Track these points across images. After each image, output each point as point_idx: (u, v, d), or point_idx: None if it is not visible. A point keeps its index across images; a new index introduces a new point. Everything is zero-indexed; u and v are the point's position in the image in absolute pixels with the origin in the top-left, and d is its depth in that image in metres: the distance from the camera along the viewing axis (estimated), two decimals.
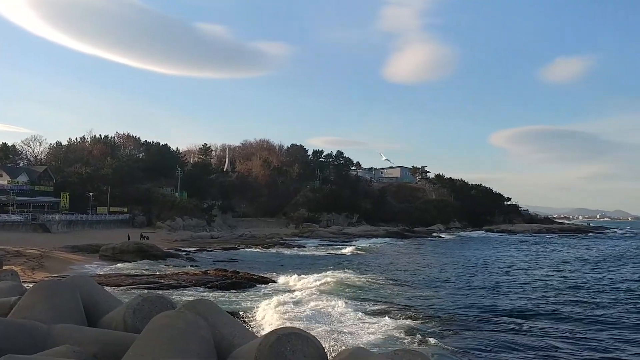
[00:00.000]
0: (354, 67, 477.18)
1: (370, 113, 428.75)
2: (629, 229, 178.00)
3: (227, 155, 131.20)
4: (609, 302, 26.01)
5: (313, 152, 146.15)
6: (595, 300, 26.87)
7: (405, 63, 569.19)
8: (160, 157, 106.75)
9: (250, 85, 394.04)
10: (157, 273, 33.71)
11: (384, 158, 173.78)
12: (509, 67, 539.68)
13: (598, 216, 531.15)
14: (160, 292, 20.29)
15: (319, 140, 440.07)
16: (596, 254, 63.72)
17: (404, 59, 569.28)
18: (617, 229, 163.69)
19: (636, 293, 29.48)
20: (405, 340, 16.63)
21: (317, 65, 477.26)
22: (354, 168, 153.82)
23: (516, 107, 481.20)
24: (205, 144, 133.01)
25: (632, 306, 24.91)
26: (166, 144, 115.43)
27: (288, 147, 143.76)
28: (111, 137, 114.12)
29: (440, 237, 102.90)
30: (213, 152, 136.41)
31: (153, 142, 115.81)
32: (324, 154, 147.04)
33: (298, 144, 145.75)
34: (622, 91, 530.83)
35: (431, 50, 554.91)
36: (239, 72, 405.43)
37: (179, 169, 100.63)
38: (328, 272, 35.20)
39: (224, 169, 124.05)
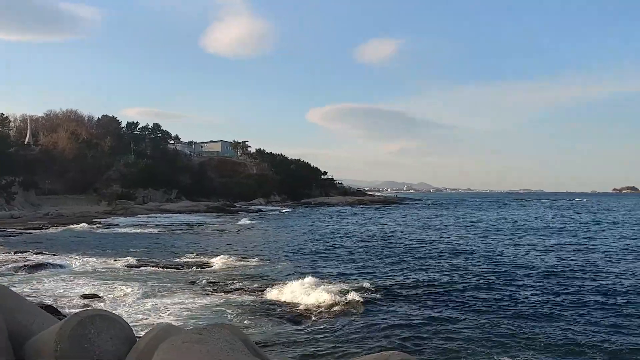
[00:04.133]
0: (173, 36, 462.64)
1: (190, 85, 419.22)
2: (425, 199, 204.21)
3: (28, 127, 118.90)
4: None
5: (127, 124, 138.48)
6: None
7: (226, 35, 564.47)
8: None
9: (56, 50, 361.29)
10: None
11: None
12: (326, 45, 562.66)
13: (404, 188, 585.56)
14: None
15: (134, 111, 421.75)
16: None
17: (225, 31, 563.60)
18: (411, 199, 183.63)
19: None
20: (209, 316, 16.82)
21: (133, 32, 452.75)
22: (172, 142, 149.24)
23: (332, 85, 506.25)
24: (2, 114, 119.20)
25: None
26: None
27: (99, 119, 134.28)
28: None
29: (261, 210, 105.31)
30: (12, 123, 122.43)
31: None
32: (140, 126, 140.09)
33: (110, 115, 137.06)
34: (429, 72, 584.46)
35: (252, 23, 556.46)
36: (43, 35, 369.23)
37: None
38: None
39: (25, 142, 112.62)
